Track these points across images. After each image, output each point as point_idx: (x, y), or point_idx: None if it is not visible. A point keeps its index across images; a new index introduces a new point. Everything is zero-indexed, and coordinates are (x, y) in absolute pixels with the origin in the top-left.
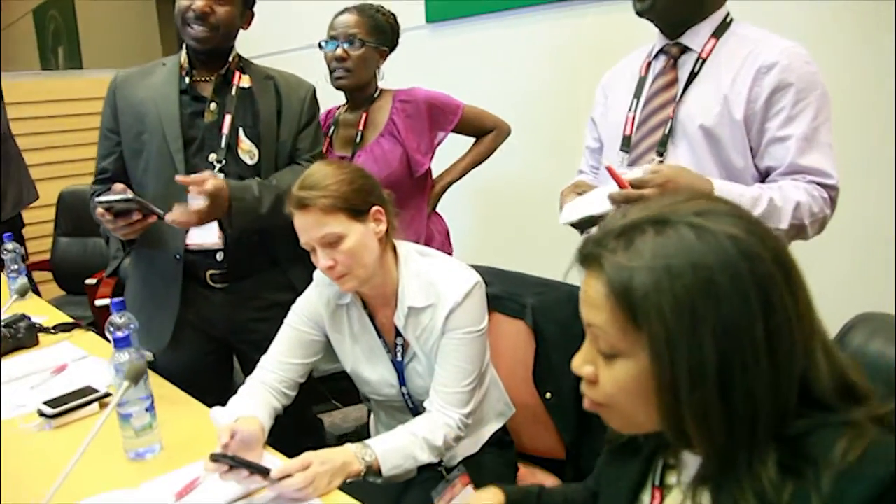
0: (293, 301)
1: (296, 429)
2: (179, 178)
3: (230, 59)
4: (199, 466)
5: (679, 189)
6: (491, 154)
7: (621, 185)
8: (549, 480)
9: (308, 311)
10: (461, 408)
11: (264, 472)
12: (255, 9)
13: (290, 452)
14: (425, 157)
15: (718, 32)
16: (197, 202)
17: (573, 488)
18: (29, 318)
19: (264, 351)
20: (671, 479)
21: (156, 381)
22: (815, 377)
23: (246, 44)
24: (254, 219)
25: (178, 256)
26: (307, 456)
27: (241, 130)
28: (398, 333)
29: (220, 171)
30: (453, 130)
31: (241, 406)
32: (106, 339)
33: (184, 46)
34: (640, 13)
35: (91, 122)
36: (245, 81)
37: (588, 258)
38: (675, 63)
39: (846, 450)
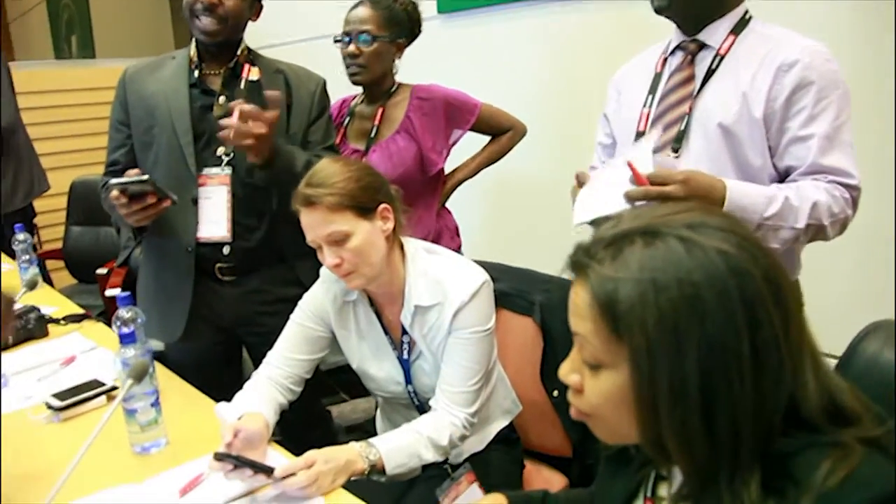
0: (300, 296)
1: (304, 421)
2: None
3: (239, 51)
4: (203, 462)
5: (700, 188)
6: (505, 154)
7: (640, 183)
8: (555, 478)
9: (314, 308)
10: (467, 407)
11: (268, 471)
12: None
13: (299, 444)
14: (440, 156)
15: (737, 29)
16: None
17: (577, 493)
18: (38, 310)
19: (272, 345)
20: (662, 490)
21: (163, 375)
22: (803, 397)
23: (255, 34)
24: (289, 169)
25: (189, 249)
26: (311, 455)
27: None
28: (405, 331)
29: (228, 164)
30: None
31: (246, 402)
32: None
33: (193, 39)
34: (658, 11)
35: (103, 111)
36: (254, 74)
37: (576, 266)
38: (692, 59)
39: (829, 472)
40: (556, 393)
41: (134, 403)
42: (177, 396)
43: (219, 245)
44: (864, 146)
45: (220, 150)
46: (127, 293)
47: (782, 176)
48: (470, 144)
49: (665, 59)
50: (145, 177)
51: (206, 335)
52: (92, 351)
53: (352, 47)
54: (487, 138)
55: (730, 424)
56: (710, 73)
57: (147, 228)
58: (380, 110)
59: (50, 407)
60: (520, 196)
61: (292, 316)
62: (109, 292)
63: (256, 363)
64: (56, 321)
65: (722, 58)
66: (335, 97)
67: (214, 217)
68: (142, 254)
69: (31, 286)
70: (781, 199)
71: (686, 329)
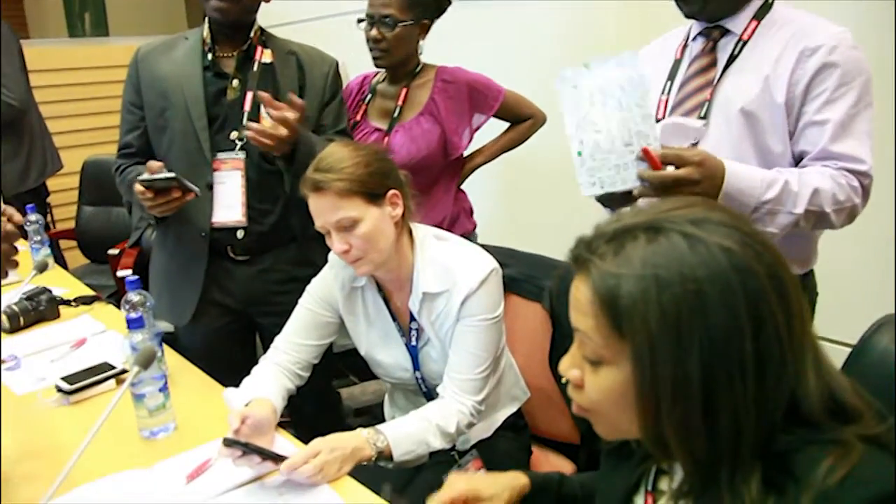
0: (312, 276)
1: (315, 404)
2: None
3: (252, 33)
4: (211, 448)
5: (714, 169)
6: (524, 141)
7: (656, 167)
8: (563, 465)
9: (323, 293)
10: (474, 395)
11: (276, 458)
12: None
13: (309, 426)
14: (462, 139)
15: (760, 15)
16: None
17: (588, 476)
18: (50, 291)
19: (283, 324)
20: (663, 484)
21: (172, 359)
22: (804, 394)
23: (268, 13)
24: (309, 156)
25: (203, 234)
26: (316, 444)
27: (262, 108)
28: (413, 318)
29: (242, 148)
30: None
31: (254, 388)
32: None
33: (206, 20)
34: (689, 16)
35: (116, 90)
36: (267, 56)
37: (578, 261)
38: (714, 46)
39: (829, 470)
40: (564, 379)
41: (142, 388)
42: (185, 381)
43: (233, 229)
44: (885, 136)
45: (234, 135)
46: (135, 277)
47: (797, 161)
48: (487, 127)
49: (685, 46)
50: (171, 174)
51: (218, 318)
52: (102, 334)
53: (374, 31)
54: (504, 123)
55: (731, 422)
56: (731, 59)
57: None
58: (403, 91)
59: (60, 390)
60: (532, 179)
61: (300, 301)
62: (121, 273)
63: (267, 344)
64: (67, 303)
65: (744, 43)
66: (358, 71)
67: (229, 202)
68: (155, 237)
69: (42, 269)
70: (781, 184)
71: (689, 326)
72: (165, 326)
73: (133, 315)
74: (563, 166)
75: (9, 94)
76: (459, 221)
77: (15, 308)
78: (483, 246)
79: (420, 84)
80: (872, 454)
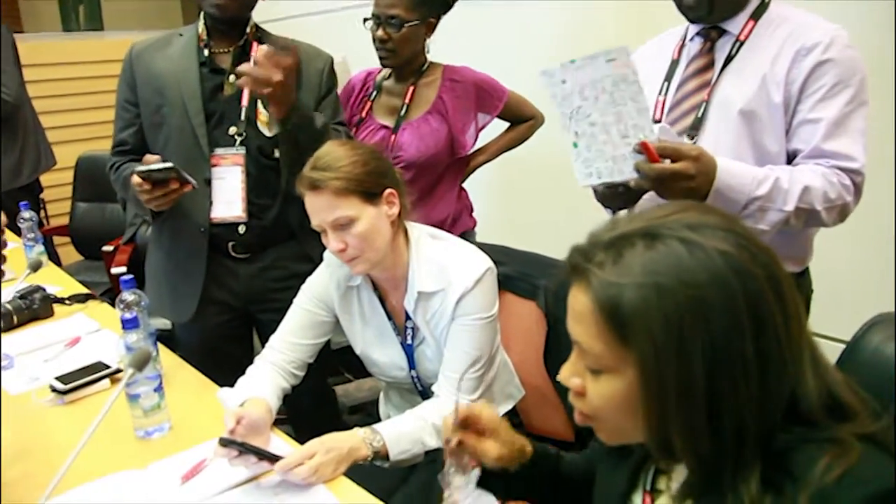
0: (311, 271)
1: (311, 401)
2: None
3: (248, 29)
4: (206, 448)
5: (710, 164)
6: (524, 141)
7: (653, 160)
8: None
9: (318, 292)
10: (469, 394)
11: (272, 458)
12: None
13: (305, 424)
14: (469, 139)
15: (757, 14)
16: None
17: (573, 456)
18: (44, 289)
19: (282, 320)
20: (661, 484)
21: (167, 358)
22: (802, 393)
23: (266, 7)
24: (308, 126)
25: (202, 230)
26: (312, 445)
27: (259, 102)
28: (408, 317)
29: (241, 144)
30: None
31: (249, 387)
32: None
33: (201, 16)
34: (694, 21)
35: (111, 84)
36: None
37: (575, 271)
38: (712, 46)
39: (826, 469)
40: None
41: (137, 388)
42: (180, 380)
43: (233, 225)
44: (883, 134)
45: (233, 130)
46: (130, 276)
47: (791, 158)
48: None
49: (682, 46)
50: (169, 164)
51: (217, 314)
52: (96, 332)
53: (380, 32)
54: (502, 122)
55: (735, 422)
56: (729, 59)
57: (164, 211)
58: (410, 89)
59: (54, 390)
60: (528, 178)
61: (296, 300)
62: (115, 270)
63: (265, 341)
64: (61, 301)
65: (741, 44)
66: (361, 68)
67: (228, 197)
68: (152, 234)
69: (36, 268)
70: (772, 181)
71: (692, 332)
72: (160, 324)
73: (128, 315)
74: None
75: (3, 90)
76: (462, 219)
77: (8, 307)
78: (478, 244)
79: (427, 82)
80: (869, 452)
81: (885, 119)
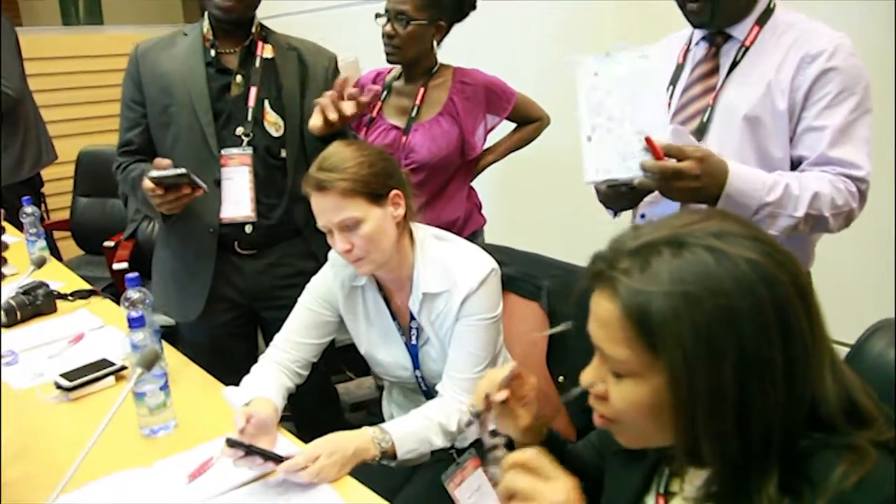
0: (316, 269)
1: (315, 400)
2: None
3: (253, 28)
4: (212, 446)
5: (716, 166)
6: (531, 141)
7: (658, 157)
8: None
9: (323, 292)
10: (473, 394)
11: (277, 459)
12: None
13: (309, 422)
14: (479, 140)
15: (762, 20)
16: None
17: (575, 447)
18: (47, 285)
19: (286, 318)
20: (675, 486)
21: (172, 356)
22: (822, 398)
23: (268, 5)
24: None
25: (212, 230)
26: (317, 446)
27: (266, 102)
28: (413, 317)
29: (249, 144)
30: None
31: (254, 386)
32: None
33: (206, 16)
34: (698, 26)
35: (111, 79)
36: (268, 52)
37: (599, 277)
38: (717, 51)
39: (844, 475)
40: (561, 378)
41: (143, 387)
42: (185, 378)
43: (241, 224)
44: (884, 139)
45: (240, 130)
46: (135, 274)
47: (795, 165)
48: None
49: (687, 50)
50: (182, 170)
51: (224, 312)
52: (100, 329)
53: (388, 27)
54: (507, 122)
55: (762, 427)
56: (734, 64)
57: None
58: (421, 90)
59: (59, 387)
60: (531, 177)
61: (300, 299)
62: (117, 266)
63: (269, 339)
64: (64, 297)
65: (747, 49)
66: (370, 67)
67: (237, 197)
68: (160, 233)
69: (40, 264)
70: (782, 187)
71: (721, 340)
72: (162, 320)
73: (134, 314)
74: (561, 165)
75: (5, 84)
76: (473, 217)
77: (12, 302)
78: (481, 245)
79: (437, 84)
80: (884, 460)
81: (885, 123)
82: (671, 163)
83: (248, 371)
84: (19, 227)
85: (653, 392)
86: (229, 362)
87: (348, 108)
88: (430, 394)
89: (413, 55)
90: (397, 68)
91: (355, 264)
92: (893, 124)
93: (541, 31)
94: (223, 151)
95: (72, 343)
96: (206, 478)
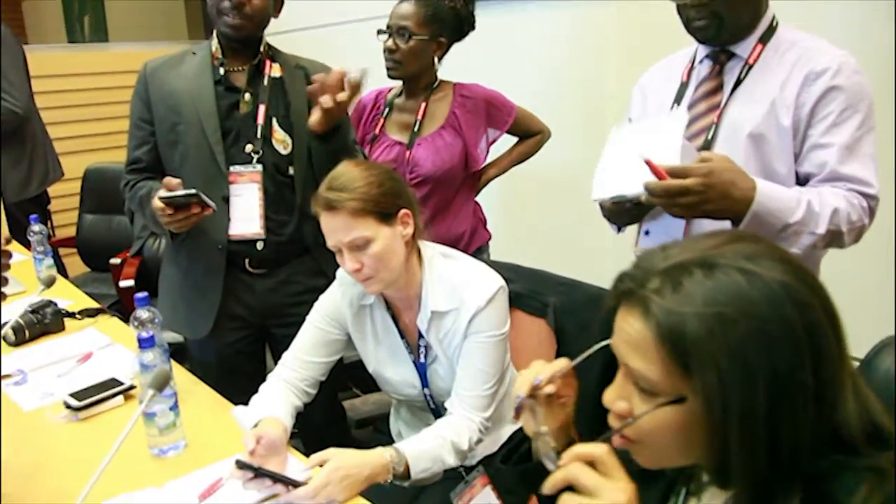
0: (326, 286)
1: (324, 417)
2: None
3: (261, 47)
4: (222, 466)
5: (721, 184)
6: (533, 155)
7: (660, 177)
8: None
9: (331, 311)
10: (482, 411)
11: (286, 482)
12: None
13: (316, 440)
14: (481, 153)
15: (765, 38)
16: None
17: None
18: (55, 304)
19: (296, 335)
20: None
21: (180, 376)
22: (844, 419)
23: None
24: (344, 138)
25: (220, 247)
26: (327, 473)
27: (274, 120)
28: (421, 335)
29: (259, 161)
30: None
31: (263, 406)
32: (129, 322)
33: (214, 35)
34: (703, 41)
35: (116, 96)
36: (276, 71)
37: (628, 296)
38: (721, 69)
39: (866, 498)
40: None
41: (152, 407)
42: (194, 398)
43: (251, 241)
44: (884, 148)
45: (249, 148)
46: (145, 293)
47: (801, 182)
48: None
49: (691, 68)
50: (192, 190)
51: (234, 330)
52: (108, 347)
53: (390, 42)
54: (508, 136)
55: (792, 448)
56: (738, 82)
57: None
58: (422, 105)
59: (69, 406)
60: (535, 190)
61: (309, 318)
62: (123, 283)
63: (278, 356)
64: (72, 315)
65: (750, 67)
66: (373, 86)
67: (246, 214)
68: (167, 250)
69: (49, 284)
70: (805, 204)
71: (755, 363)
72: (170, 337)
73: (144, 334)
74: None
75: (14, 101)
76: (478, 232)
77: (20, 321)
78: (487, 261)
79: (438, 98)
80: None
81: (884, 136)
82: (676, 182)
83: (256, 389)
84: (26, 244)
85: (682, 412)
86: (238, 380)
87: (342, 95)
88: (438, 411)
89: (414, 70)
90: (398, 86)
91: (364, 283)
92: (893, 138)
93: (540, 44)
94: (232, 169)
95: (80, 362)
96: (217, 498)
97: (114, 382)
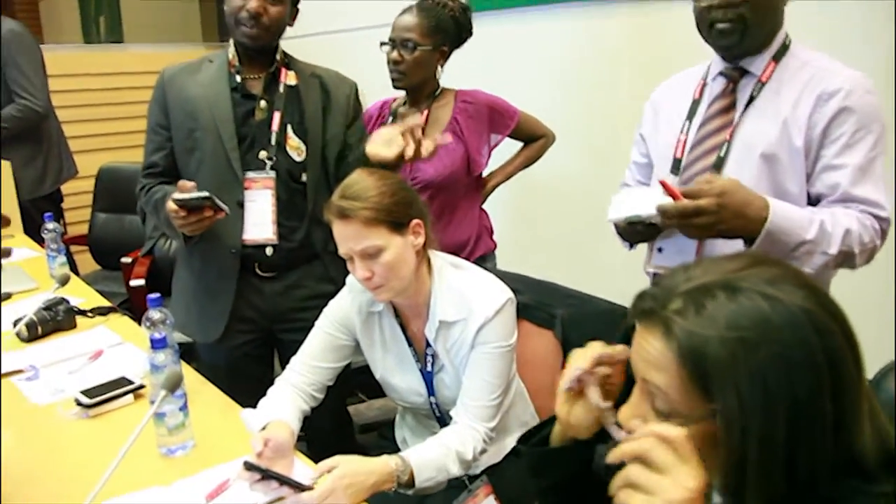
0: (334, 293)
1: (330, 422)
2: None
3: (277, 56)
4: (229, 466)
5: (735, 203)
6: (538, 159)
7: (675, 197)
8: None
9: (340, 317)
10: (488, 422)
11: (293, 485)
12: None
13: (322, 443)
14: (483, 158)
15: (778, 56)
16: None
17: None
18: (68, 301)
19: (303, 341)
20: None
21: (190, 376)
22: (861, 446)
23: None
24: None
25: (234, 251)
26: (333, 481)
27: (289, 127)
28: (428, 344)
29: (272, 168)
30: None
31: (271, 409)
32: (139, 321)
33: (231, 43)
34: (724, 48)
35: (130, 96)
36: (291, 79)
37: (648, 314)
38: (734, 87)
39: None
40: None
41: (162, 407)
42: (203, 399)
43: (262, 246)
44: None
45: (263, 154)
46: (157, 294)
47: (812, 203)
48: (499, 148)
49: (703, 85)
50: (205, 193)
51: (243, 333)
52: (118, 345)
53: (395, 54)
54: (512, 142)
55: (809, 474)
56: (751, 100)
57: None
58: (425, 112)
59: (80, 403)
60: (543, 200)
61: (318, 323)
62: (134, 282)
63: (286, 361)
64: (83, 313)
65: (763, 85)
66: (377, 97)
67: (260, 220)
68: (181, 253)
69: (63, 282)
70: (818, 224)
71: (776, 388)
72: (179, 338)
73: (157, 335)
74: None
75: (34, 100)
76: (483, 239)
77: (34, 318)
78: (494, 272)
79: (441, 105)
80: None
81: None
82: (690, 202)
83: (263, 393)
84: (40, 241)
85: (698, 433)
86: (246, 384)
87: (424, 150)
88: (443, 420)
89: (418, 80)
90: (402, 96)
91: (374, 291)
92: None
93: (545, 51)
94: (247, 174)
95: (91, 359)
96: (224, 498)
97: (124, 381)
